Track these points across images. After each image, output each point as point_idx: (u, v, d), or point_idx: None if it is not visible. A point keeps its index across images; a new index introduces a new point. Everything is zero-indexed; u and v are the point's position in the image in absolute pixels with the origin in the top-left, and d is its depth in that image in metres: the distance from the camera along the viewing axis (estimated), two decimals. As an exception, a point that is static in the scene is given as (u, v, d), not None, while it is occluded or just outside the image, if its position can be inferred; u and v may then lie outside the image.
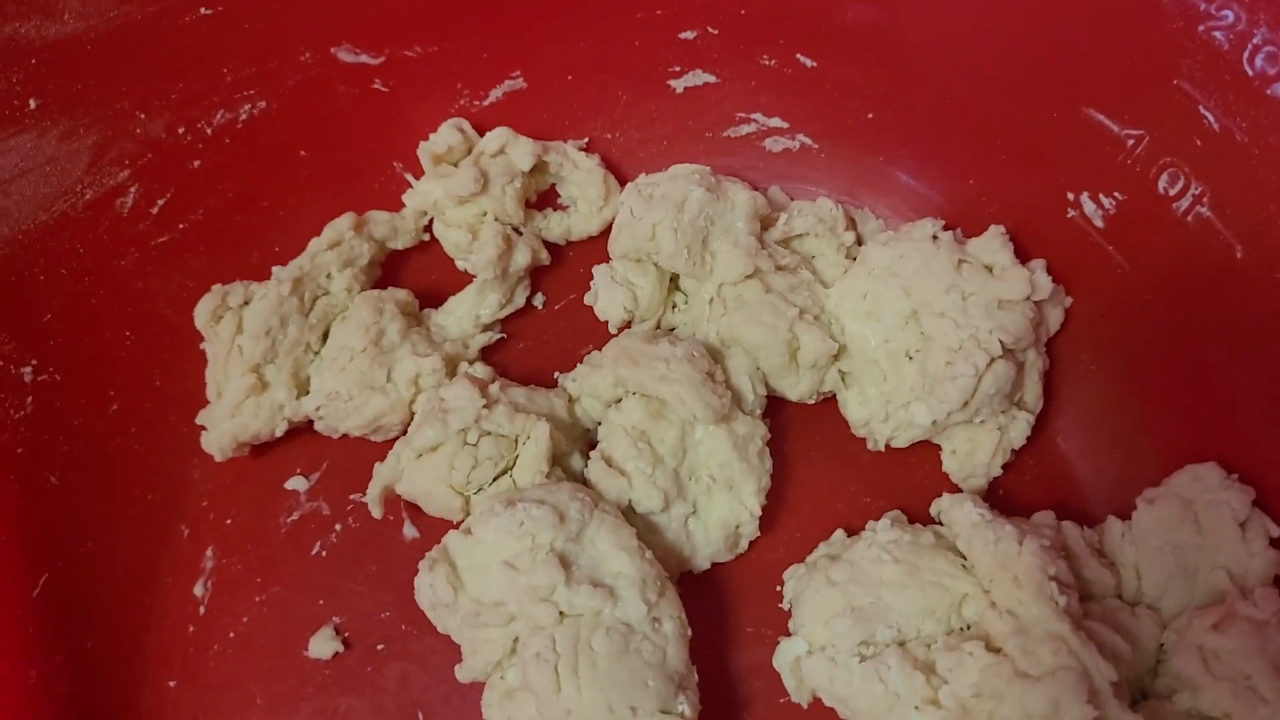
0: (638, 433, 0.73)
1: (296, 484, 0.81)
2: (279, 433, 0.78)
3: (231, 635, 0.76)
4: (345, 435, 0.79)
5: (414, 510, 0.77)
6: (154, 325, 0.80)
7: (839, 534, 0.74)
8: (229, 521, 0.80)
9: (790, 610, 0.71)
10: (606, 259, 0.83)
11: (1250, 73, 0.63)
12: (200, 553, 0.79)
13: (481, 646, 0.64)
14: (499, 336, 0.86)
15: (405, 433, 0.76)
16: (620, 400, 0.75)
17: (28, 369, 0.74)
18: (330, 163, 0.85)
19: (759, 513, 0.73)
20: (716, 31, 0.82)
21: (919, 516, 0.74)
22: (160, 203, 0.79)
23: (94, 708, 0.72)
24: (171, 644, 0.76)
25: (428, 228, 0.87)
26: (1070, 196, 0.77)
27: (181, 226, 0.81)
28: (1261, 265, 0.66)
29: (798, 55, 0.83)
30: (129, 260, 0.79)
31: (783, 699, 0.70)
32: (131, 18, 0.73)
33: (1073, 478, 0.79)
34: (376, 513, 0.75)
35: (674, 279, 0.83)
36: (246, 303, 0.78)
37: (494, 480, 0.73)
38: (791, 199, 0.87)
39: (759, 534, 0.74)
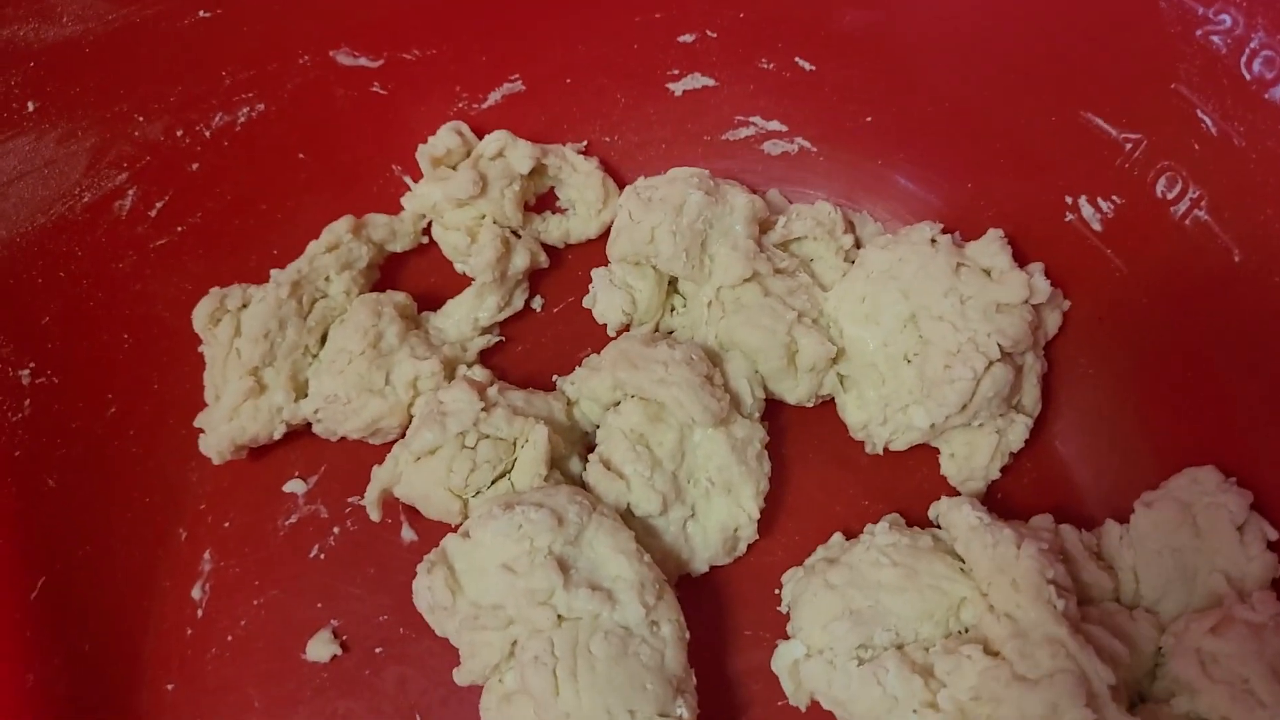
0: (636, 436, 0.73)
1: (295, 487, 0.81)
2: (277, 435, 0.78)
3: (229, 638, 0.76)
4: (343, 438, 0.79)
5: (412, 513, 0.77)
6: (152, 328, 0.80)
7: (837, 537, 0.74)
8: (227, 524, 0.80)
9: (788, 613, 0.70)
10: (605, 262, 0.83)
11: (1248, 77, 0.63)
12: (198, 555, 0.79)
13: (480, 649, 0.64)
14: (497, 339, 0.86)
15: (403, 435, 0.76)
16: (619, 403, 0.75)
17: (25, 371, 0.74)
18: (329, 165, 0.85)
19: (757, 516, 0.73)
20: (715, 35, 0.82)
21: (917, 520, 0.74)
22: (159, 205, 0.79)
23: (92, 711, 0.72)
24: (169, 647, 0.76)
25: (426, 230, 0.86)
26: (1068, 200, 0.77)
27: (180, 229, 0.81)
28: (1259, 269, 0.66)
29: (796, 59, 0.83)
30: (127, 263, 0.79)
31: (781, 702, 0.70)
32: (130, 20, 0.73)
33: (1071, 481, 0.79)
34: (375, 515, 0.75)
35: (672, 282, 0.83)
36: (245, 305, 0.78)
37: (492, 483, 0.73)
38: (790, 202, 0.87)
39: (757, 537, 0.74)
